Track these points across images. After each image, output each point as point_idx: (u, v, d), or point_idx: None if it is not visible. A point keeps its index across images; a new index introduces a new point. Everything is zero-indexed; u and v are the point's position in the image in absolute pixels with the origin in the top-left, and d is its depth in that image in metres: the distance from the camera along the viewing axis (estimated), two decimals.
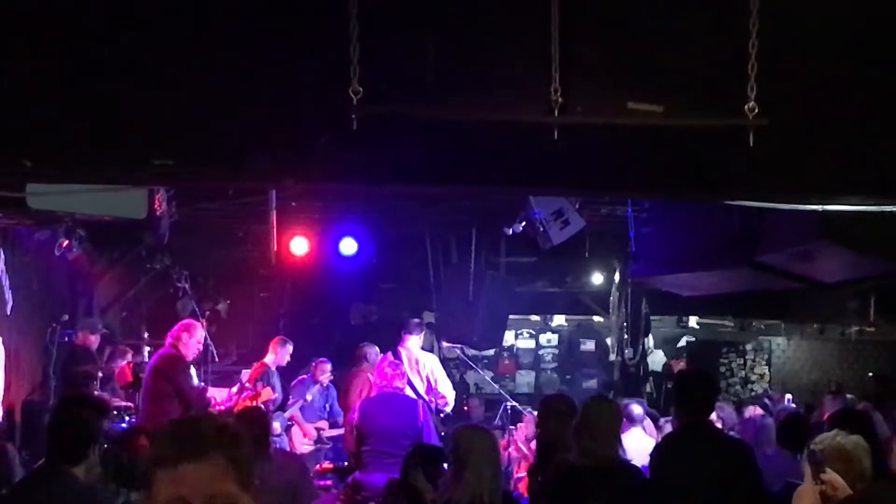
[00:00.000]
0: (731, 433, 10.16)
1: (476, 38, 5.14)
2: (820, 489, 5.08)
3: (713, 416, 9.88)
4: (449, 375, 17.15)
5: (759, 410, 11.92)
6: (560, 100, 4.95)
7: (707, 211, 10.65)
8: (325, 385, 14.66)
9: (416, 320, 14.36)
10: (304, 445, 14.22)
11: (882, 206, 6.16)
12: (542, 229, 14.11)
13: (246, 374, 13.68)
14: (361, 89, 4.86)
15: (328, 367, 14.56)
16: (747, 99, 5.06)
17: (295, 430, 14.35)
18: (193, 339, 11.47)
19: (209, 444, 2.83)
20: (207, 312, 15.34)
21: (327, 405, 14.74)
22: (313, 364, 14.87)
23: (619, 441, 7.58)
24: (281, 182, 7.32)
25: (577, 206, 13.60)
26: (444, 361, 18.12)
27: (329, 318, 19.22)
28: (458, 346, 17.97)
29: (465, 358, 18.57)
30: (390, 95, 4.98)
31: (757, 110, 5.06)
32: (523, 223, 14.76)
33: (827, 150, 5.59)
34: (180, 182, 6.73)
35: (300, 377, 14.94)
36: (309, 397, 14.45)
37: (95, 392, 12.06)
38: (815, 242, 9.09)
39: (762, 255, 10.19)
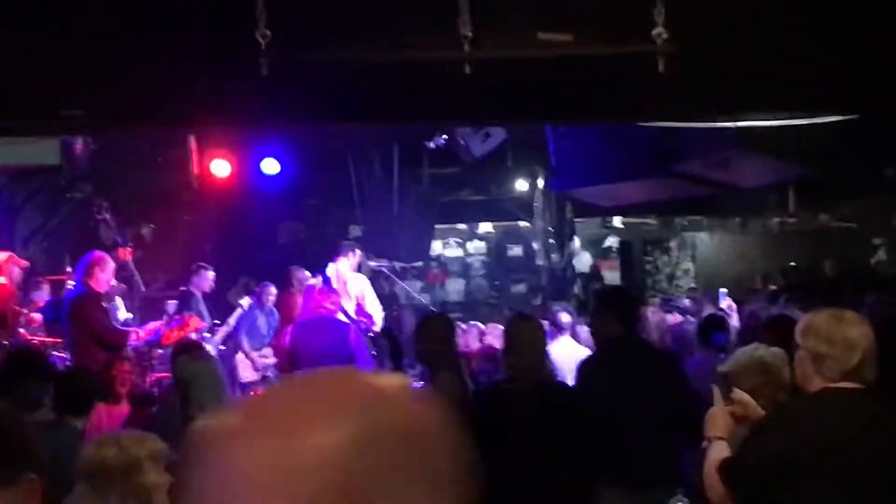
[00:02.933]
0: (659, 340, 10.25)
1: None
2: (730, 410, 5.15)
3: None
4: (378, 288, 17.24)
5: (678, 317, 11.99)
6: (470, 35, 4.94)
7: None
8: (269, 310, 14.50)
9: (347, 242, 14.30)
10: (248, 374, 14.12)
11: (790, 121, 6.25)
12: (463, 142, 14.16)
13: (172, 304, 13.53)
14: (269, 33, 4.81)
15: (273, 290, 14.36)
16: (655, 25, 5.08)
17: (240, 358, 14.20)
18: (105, 273, 10.97)
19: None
20: (130, 243, 15.10)
21: (272, 331, 14.60)
22: (258, 288, 14.73)
23: (545, 358, 7.55)
24: (192, 129, 7.24)
25: None
26: (374, 274, 18.18)
27: (256, 238, 19.04)
28: (385, 260, 17.95)
29: (389, 271, 18.53)
30: (299, 39, 4.94)
31: (665, 36, 5.09)
32: (445, 137, 14.79)
33: (735, 71, 5.66)
34: (90, 132, 6.61)
35: (242, 302, 14.75)
36: (231, 321, 14.20)
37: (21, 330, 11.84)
38: (731, 151, 9.19)
39: (681, 164, 10.29)
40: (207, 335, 13.66)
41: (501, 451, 7.04)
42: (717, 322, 10.02)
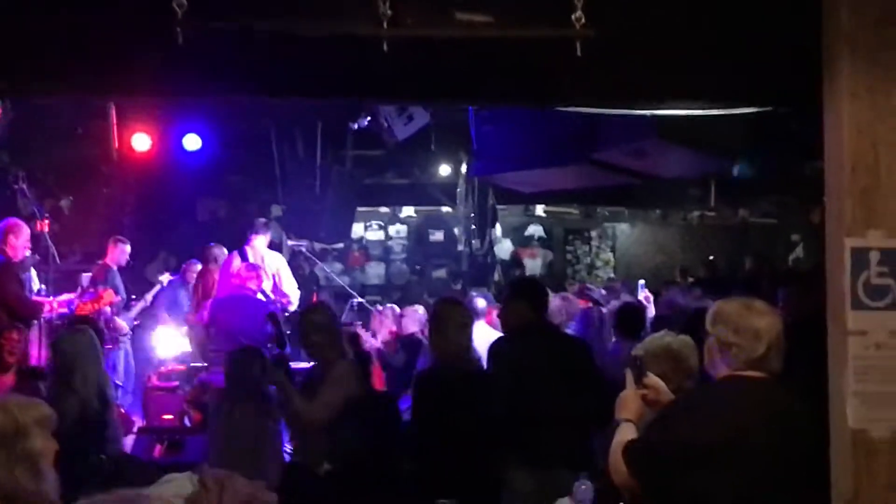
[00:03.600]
0: (570, 328, 10.32)
1: None
2: (642, 393, 5.21)
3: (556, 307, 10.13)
4: (298, 269, 17.17)
5: (588, 304, 12.10)
6: (389, 12, 4.92)
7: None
8: (164, 285, 14.39)
9: (263, 220, 14.24)
10: (166, 350, 14.02)
11: (708, 111, 6.30)
12: (386, 125, 14.13)
13: (87, 277, 13.40)
14: (186, 2, 4.76)
15: (198, 267, 14.27)
16: (574, 9, 5.08)
17: (159, 334, 14.08)
18: (20, 239, 10.78)
19: None
20: (47, 214, 14.89)
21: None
22: (183, 266, 14.65)
23: (470, 342, 7.61)
24: (108, 96, 7.15)
25: None
26: (293, 255, 18.10)
27: (176, 214, 18.88)
28: (305, 241, 17.91)
29: (310, 253, 18.49)
30: (216, 8, 4.88)
31: (584, 20, 5.09)
32: (368, 118, 14.75)
33: (654, 58, 5.67)
34: (5, 97, 6.44)
35: (161, 278, 14.64)
36: (149, 297, 14.10)
37: None
38: (649, 140, 9.26)
39: (597, 151, 10.35)
40: (124, 311, 13.65)
41: (431, 432, 7.17)
42: (632, 310, 10.15)
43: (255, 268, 11.77)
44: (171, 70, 5.11)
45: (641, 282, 14.19)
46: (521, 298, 7.83)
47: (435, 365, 7.49)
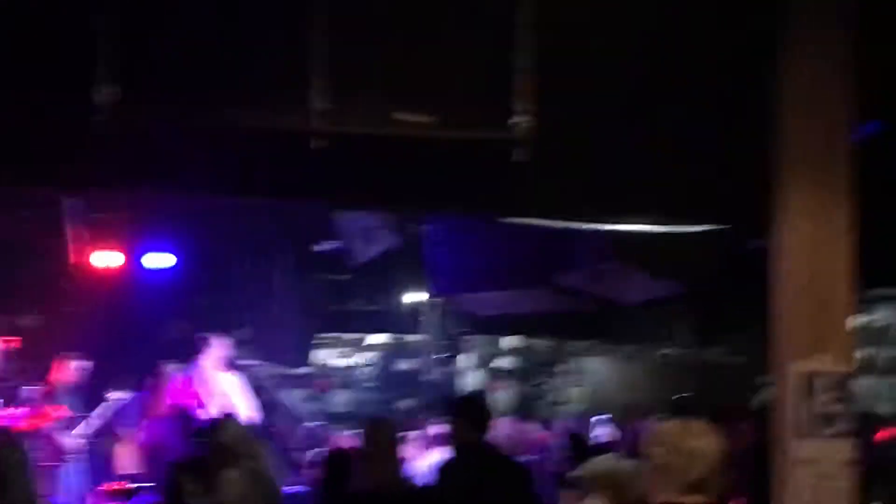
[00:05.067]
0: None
1: (234, 39, 4.88)
2: None
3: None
4: (260, 394, 16.85)
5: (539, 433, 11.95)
6: (322, 107, 4.72)
7: (504, 227, 10.55)
8: (115, 404, 14.13)
9: (214, 336, 13.93)
10: (127, 465, 13.67)
11: (661, 227, 6.10)
12: (348, 246, 13.97)
13: (31, 391, 13.13)
14: (112, 91, 4.54)
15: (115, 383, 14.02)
16: (518, 112, 4.89)
17: (122, 449, 13.76)
18: None
19: None
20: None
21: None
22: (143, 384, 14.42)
23: (398, 463, 7.43)
24: (35, 188, 6.93)
25: (385, 223, 13.48)
26: (256, 379, 17.83)
27: (141, 333, 18.62)
28: (267, 363, 17.65)
29: (270, 378, 18.19)
30: (142, 99, 4.68)
31: (528, 125, 4.90)
32: (333, 242, 14.63)
33: (603, 169, 5.49)
34: None
35: (114, 395, 14.38)
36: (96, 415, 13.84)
37: None
38: (607, 263, 9.08)
39: (558, 275, 10.16)
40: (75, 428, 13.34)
41: None
42: (579, 441, 10.01)
43: (189, 385, 11.50)
44: (93, 162, 4.87)
45: (605, 416, 13.99)
46: (461, 416, 7.70)
47: (363, 488, 7.22)
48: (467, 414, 7.73)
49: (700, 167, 5.62)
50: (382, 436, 7.27)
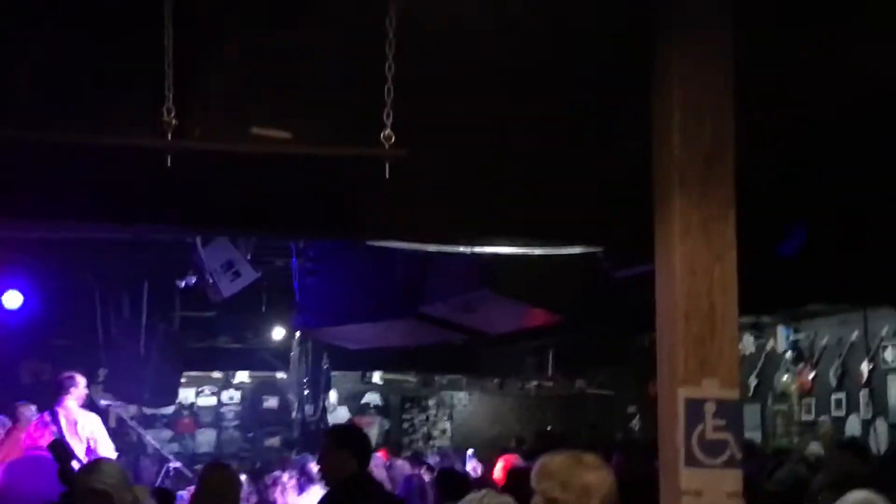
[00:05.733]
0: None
1: (80, 48, 4.59)
2: None
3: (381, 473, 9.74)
4: (125, 435, 16.39)
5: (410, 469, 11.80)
6: (175, 122, 4.46)
7: (370, 259, 10.34)
8: None
9: (70, 376, 13.43)
10: None
11: (529, 249, 5.94)
12: (211, 281, 13.60)
13: None
14: None
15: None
16: (384, 127, 4.68)
17: None
18: None
19: None
20: None
21: None
22: None
23: None
24: None
25: (248, 257, 13.18)
26: (119, 421, 17.36)
27: None
28: (130, 405, 17.17)
29: (136, 419, 17.73)
30: None
31: (394, 140, 4.69)
32: (195, 277, 14.25)
33: (471, 188, 5.31)
34: None
35: None
36: None
37: None
38: (474, 293, 8.90)
39: (425, 305, 9.96)
40: None
41: None
42: (453, 474, 9.89)
43: (46, 425, 11.04)
44: None
45: (470, 451, 13.90)
46: (344, 447, 7.27)
47: None
48: (348, 444, 7.29)
49: (574, 185, 5.45)
50: (217, 480, 6.96)
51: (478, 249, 6.01)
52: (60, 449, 9.31)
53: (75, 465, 10.90)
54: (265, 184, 4.91)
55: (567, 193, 5.54)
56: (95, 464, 7.86)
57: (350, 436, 7.75)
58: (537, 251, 6.00)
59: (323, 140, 4.77)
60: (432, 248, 6.22)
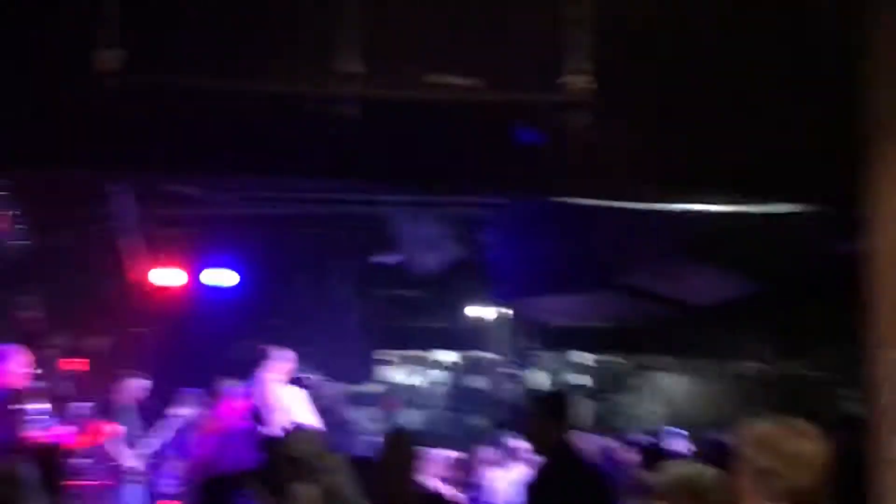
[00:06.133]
0: None
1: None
2: None
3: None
4: (331, 413, 16.53)
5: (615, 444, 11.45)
6: (351, 70, 4.21)
7: (568, 228, 9.99)
8: (180, 422, 13.92)
9: (276, 350, 13.57)
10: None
11: (739, 206, 5.49)
12: (413, 256, 13.58)
13: (84, 407, 12.88)
14: (114, 54, 4.07)
15: (180, 400, 13.81)
16: (573, 70, 4.32)
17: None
18: (9, 365, 10.19)
19: None
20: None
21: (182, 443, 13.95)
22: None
23: (411, 480, 6.81)
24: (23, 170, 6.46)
25: (449, 232, 13.10)
26: (327, 398, 17.53)
27: (203, 352, 18.39)
28: (330, 379, 17.35)
29: (335, 395, 17.86)
30: (152, 62, 4.19)
31: (584, 84, 4.33)
32: (397, 253, 14.28)
33: (670, 140, 4.89)
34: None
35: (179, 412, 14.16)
36: (162, 434, 13.70)
37: None
38: (678, 260, 8.46)
39: (627, 275, 9.56)
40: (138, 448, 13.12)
41: None
42: (659, 451, 9.47)
43: (247, 397, 11.14)
44: (93, 137, 4.39)
45: (680, 430, 13.53)
46: (549, 417, 7.11)
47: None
48: (555, 414, 7.15)
49: (781, 138, 4.99)
50: (400, 448, 6.72)
51: (680, 207, 5.55)
52: (259, 418, 9.35)
53: (273, 434, 11.04)
54: (448, 137, 4.61)
55: (779, 146, 5.07)
56: (293, 432, 7.79)
57: (554, 402, 7.55)
58: (744, 208, 5.53)
59: (505, 85, 4.45)
60: (629, 206, 5.78)
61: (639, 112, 4.75)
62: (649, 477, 5.02)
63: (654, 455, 9.33)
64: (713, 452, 9.57)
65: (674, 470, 5.26)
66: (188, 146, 4.55)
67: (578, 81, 4.32)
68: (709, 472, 5.21)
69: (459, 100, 4.44)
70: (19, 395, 10.87)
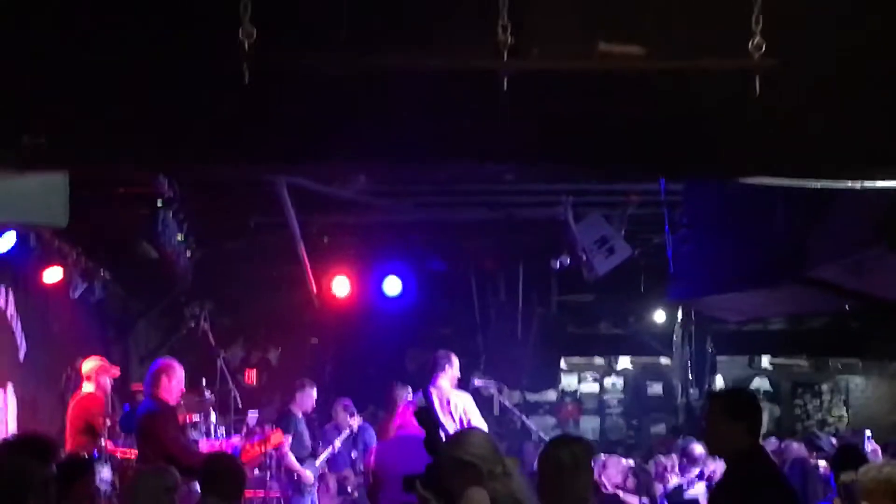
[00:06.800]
0: None
1: None
2: None
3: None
4: (508, 422, 16.34)
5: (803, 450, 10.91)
6: (511, 40, 3.91)
7: (746, 217, 9.45)
8: (353, 431, 13.84)
9: (444, 355, 13.36)
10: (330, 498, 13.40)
11: None
12: (585, 258, 13.20)
13: (253, 418, 12.88)
14: (255, 32, 3.85)
15: (351, 410, 13.73)
16: (752, 35, 3.95)
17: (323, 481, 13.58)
18: (174, 380, 10.13)
19: None
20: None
21: (353, 452, 13.92)
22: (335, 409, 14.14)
23: (588, 492, 6.27)
24: (173, 167, 6.29)
25: (622, 232, 12.71)
26: (503, 407, 17.36)
27: (377, 362, 18.38)
28: (508, 388, 17.08)
29: (515, 405, 17.58)
30: (294, 41, 3.96)
31: (765, 49, 3.95)
32: (569, 256, 13.93)
33: (860, 106, 4.44)
34: (53, 166, 5.42)
35: (352, 422, 14.14)
36: (337, 444, 13.66)
37: None
38: (868, 251, 7.82)
39: (811, 267, 8.95)
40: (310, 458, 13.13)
41: None
42: (853, 450, 8.86)
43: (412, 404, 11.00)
44: (233, 123, 4.17)
45: (868, 432, 12.90)
46: (737, 419, 6.35)
47: None
48: (744, 416, 6.39)
49: None
50: (565, 460, 6.28)
51: (869, 184, 5.05)
52: (427, 418, 9.07)
53: (443, 436, 10.82)
54: (611, 111, 4.26)
55: None
56: (463, 434, 7.47)
57: (744, 405, 6.91)
58: None
59: (680, 54, 4.09)
60: (811, 184, 5.28)
61: (819, 81, 4.32)
62: (848, 478, 4.64)
63: (851, 457, 8.76)
64: None
65: (875, 469, 4.90)
66: (324, 133, 4.28)
67: (756, 47, 3.92)
68: None
69: (626, 69, 4.09)
70: (180, 408, 10.91)
